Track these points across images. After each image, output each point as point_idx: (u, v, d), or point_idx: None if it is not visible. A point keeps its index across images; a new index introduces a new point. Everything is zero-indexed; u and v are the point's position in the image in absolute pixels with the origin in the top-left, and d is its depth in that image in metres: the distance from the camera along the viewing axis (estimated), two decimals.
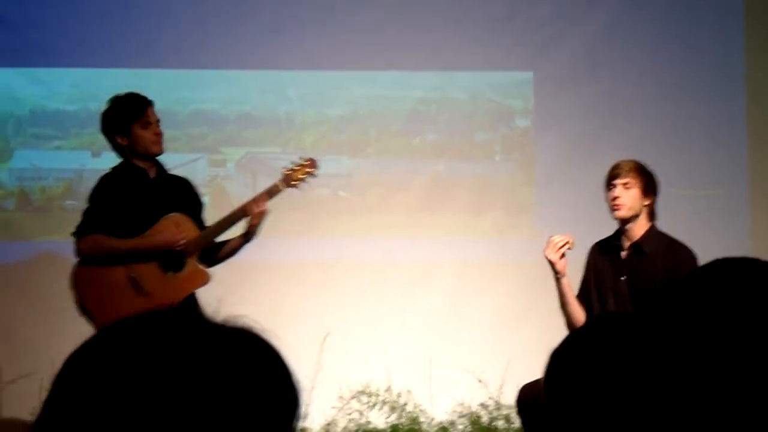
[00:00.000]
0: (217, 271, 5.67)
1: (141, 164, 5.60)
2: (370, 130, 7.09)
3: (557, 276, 5.34)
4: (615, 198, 5.38)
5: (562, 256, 5.31)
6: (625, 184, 5.39)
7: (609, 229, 5.59)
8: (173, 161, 6.56)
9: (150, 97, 5.64)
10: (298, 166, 5.72)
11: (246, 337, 1.15)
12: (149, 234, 5.55)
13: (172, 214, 5.56)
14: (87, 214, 5.67)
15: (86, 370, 1.14)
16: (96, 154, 6.82)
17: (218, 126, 6.97)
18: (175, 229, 5.55)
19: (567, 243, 5.30)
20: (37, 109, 6.90)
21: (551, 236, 5.36)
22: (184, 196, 5.64)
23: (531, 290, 6.71)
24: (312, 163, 5.74)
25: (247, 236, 5.57)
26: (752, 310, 1.27)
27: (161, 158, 5.67)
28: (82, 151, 6.87)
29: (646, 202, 5.41)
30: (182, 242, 5.51)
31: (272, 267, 6.75)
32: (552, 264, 5.31)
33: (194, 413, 1.09)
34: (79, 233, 5.61)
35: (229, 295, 5.86)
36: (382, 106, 7.08)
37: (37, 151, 6.89)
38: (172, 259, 5.53)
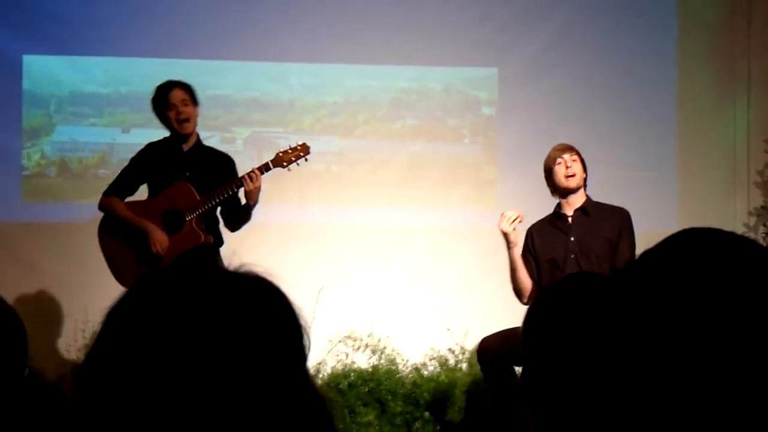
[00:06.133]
0: (227, 233, 5.65)
1: (179, 138, 5.54)
2: (359, 115, 7.06)
3: (509, 246, 5.29)
4: (569, 168, 5.34)
5: (515, 228, 5.26)
6: (572, 158, 5.37)
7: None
8: None
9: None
10: (291, 149, 5.55)
11: (257, 280, 1.17)
12: (158, 198, 5.47)
13: (178, 182, 5.47)
14: (119, 175, 5.64)
15: (126, 319, 1.12)
16: (125, 131, 6.79)
17: (230, 108, 6.93)
18: (175, 195, 5.44)
19: (518, 217, 5.25)
20: (76, 92, 6.84)
21: (503, 211, 5.31)
22: (206, 169, 5.51)
23: (493, 253, 6.66)
24: (304, 148, 5.55)
25: (249, 203, 5.42)
26: (716, 272, 1.24)
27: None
28: (113, 127, 6.83)
29: (584, 175, 5.41)
30: (155, 249, 5.40)
31: (275, 228, 6.72)
32: (505, 235, 5.26)
33: (220, 346, 1.09)
34: (105, 192, 5.59)
35: (237, 251, 5.87)
36: (370, 95, 7.05)
37: (75, 127, 6.84)
38: (174, 221, 5.44)
